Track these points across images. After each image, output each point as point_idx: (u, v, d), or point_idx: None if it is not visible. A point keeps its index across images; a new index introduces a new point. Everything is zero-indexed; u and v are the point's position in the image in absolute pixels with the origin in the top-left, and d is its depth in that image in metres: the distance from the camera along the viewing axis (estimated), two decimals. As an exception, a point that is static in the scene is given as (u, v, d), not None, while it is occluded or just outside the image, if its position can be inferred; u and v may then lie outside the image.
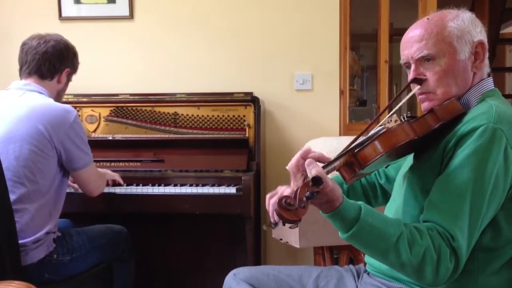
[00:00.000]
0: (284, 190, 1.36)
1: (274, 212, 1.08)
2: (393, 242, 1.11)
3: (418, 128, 1.20)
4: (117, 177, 2.30)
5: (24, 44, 1.97)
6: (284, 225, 1.08)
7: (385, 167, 1.53)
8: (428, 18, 1.30)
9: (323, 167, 1.15)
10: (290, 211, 1.04)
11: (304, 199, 1.04)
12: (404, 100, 1.35)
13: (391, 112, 1.30)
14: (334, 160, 1.19)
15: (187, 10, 2.84)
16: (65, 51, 1.99)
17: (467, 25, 1.27)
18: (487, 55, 1.30)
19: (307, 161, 1.14)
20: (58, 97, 2.02)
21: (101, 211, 2.24)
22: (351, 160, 1.19)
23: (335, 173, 1.25)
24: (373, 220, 1.12)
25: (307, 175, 1.12)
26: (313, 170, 1.10)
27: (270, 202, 1.36)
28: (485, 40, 1.30)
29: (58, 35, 2.01)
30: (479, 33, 1.29)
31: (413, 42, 1.29)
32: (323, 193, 1.08)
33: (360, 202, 1.16)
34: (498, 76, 5.45)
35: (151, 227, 2.59)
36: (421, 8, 2.90)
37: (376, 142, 1.17)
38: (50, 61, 1.94)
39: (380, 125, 1.28)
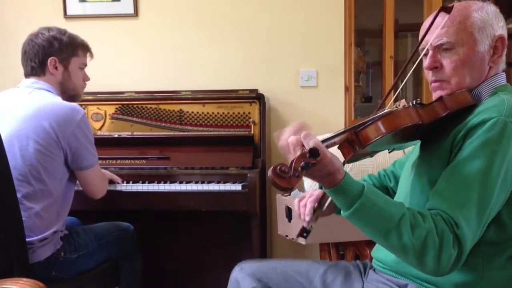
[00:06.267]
0: (312, 193, 1.36)
1: (271, 184, 1.04)
2: (395, 222, 1.09)
3: (424, 114, 1.19)
4: (113, 176, 2.29)
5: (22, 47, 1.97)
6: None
7: (389, 152, 1.50)
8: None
9: (323, 141, 1.14)
10: (283, 178, 1.02)
11: (299, 168, 1.02)
12: (408, 75, 1.34)
13: (396, 93, 1.30)
14: (335, 136, 1.18)
15: (192, 7, 2.83)
16: (47, 42, 1.92)
17: (490, 18, 1.26)
18: (505, 51, 1.29)
19: (303, 134, 1.11)
20: (65, 89, 1.97)
21: (107, 208, 2.24)
22: (352, 138, 1.18)
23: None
24: (375, 198, 1.11)
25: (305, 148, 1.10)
26: (311, 142, 1.08)
27: (301, 204, 1.36)
28: (506, 35, 1.28)
29: (46, 27, 1.96)
30: (501, 28, 1.28)
31: (434, 27, 1.26)
32: (322, 165, 1.07)
33: (363, 182, 1.15)
34: (506, 72, 5.40)
35: (157, 224, 2.60)
36: (426, 4, 2.89)
37: (379, 123, 1.15)
38: (31, 59, 1.93)
39: (388, 108, 1.26)
